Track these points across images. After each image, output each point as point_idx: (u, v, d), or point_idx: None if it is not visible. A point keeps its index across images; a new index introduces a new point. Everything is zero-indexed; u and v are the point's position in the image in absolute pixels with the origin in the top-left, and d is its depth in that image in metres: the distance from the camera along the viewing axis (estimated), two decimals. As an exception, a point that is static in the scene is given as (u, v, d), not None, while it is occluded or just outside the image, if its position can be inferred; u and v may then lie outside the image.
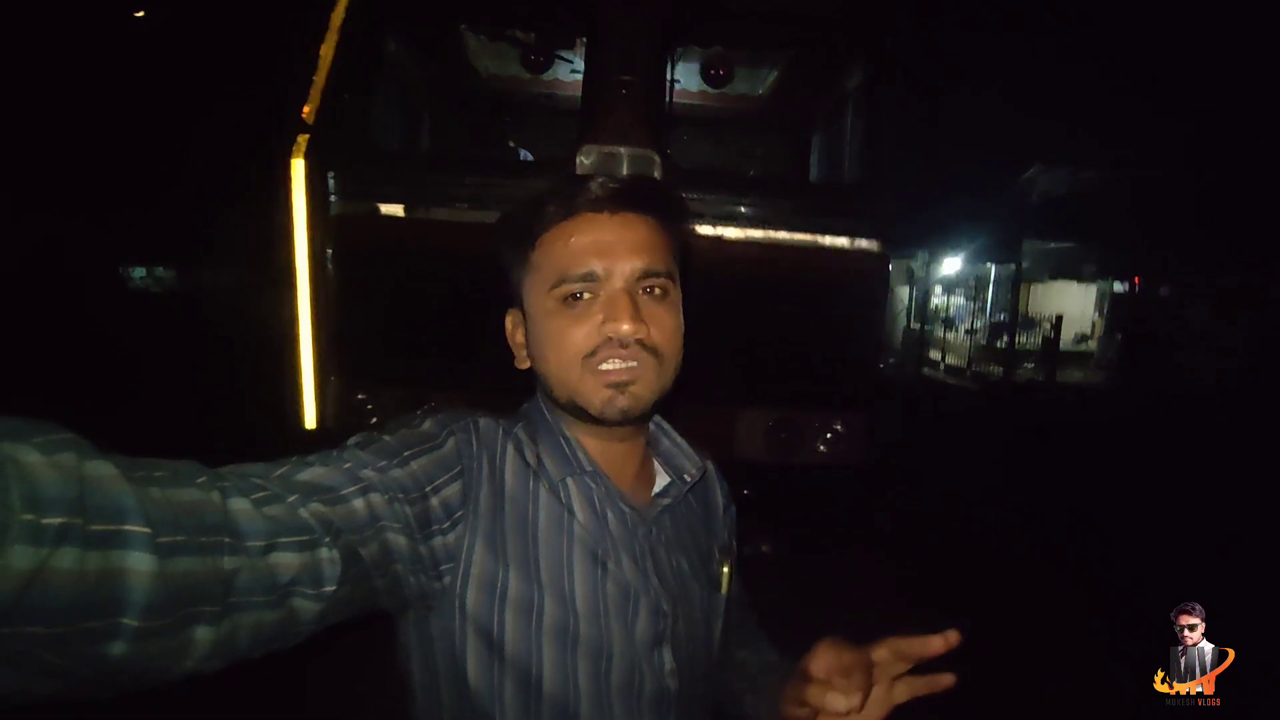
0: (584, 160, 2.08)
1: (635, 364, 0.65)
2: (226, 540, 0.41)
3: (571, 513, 0.67)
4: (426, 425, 0.65)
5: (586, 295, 0.65)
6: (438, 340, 2.13)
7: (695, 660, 0.73)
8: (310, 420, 2.19)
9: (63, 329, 8.16)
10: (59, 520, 0.32)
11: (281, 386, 2.37)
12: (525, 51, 2.90)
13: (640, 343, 0.65)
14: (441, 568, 0.61)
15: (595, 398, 0.66)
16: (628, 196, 0.67)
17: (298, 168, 2.04)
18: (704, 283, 2.12)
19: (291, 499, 0.48)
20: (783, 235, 2.18)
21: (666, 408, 0.75)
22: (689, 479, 0.77)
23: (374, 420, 2.15)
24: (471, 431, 0.66)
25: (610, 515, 0.69)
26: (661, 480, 0.78)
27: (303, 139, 2.05)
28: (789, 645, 0.78)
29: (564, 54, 2.76)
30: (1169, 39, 14.95)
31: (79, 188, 11.94)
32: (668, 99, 2.28)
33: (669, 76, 2.29)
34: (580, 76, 3.23)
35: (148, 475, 0.38)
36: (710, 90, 3.17)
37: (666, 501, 0.74)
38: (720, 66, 3.02)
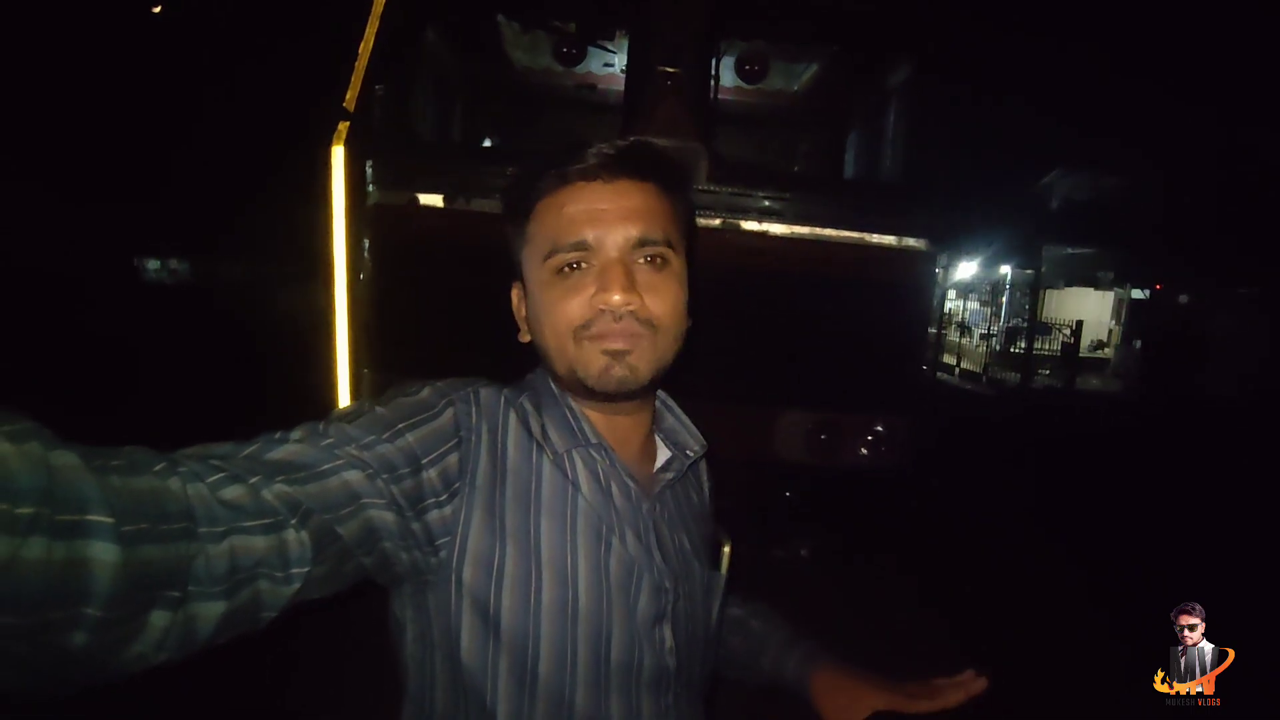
0: None
1: (630, 335, 0.63)
2: (187, 527, 0.40)
3: (576, 486, 0.65)
4: (424, 394, 0.62)
5: (582, 265, 0.63)
6: (473, 333, 2.09)
7: (694, 639, 0.72)
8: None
9: (76, 322, 8.18)
10: (30, 510, 0.31)
11: (308, 379, 2.32)
12: (559, 43, 2.85)
13: (634, 314, 0.62)
14: (437, 542, 0.59)
15: (592, 366, 0.64)
16: (624, 162, 0.64)
17: (338, 155, 2.00)
18: (747, 279, 2.10)
19: (254, 480, 0.46)
20: (829, 232, 2.12)
21: (672, 388, 0.73)
22: (691, 454, 0.76)
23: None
24: (472, 401, 0.64)
25: (615, 489, 0.68)
26: (664, 455, 0.76)
27: (343, 126, 2.01)
28: (824, 649, 0.85)
29: (604, 44, 2.71)
30: (1191, 43, 14.78)
31: (96, 181, 12.00)
32: (712, 93, 2.22)
33: (713, 70, 2.23)
34: (613, 70, 3.19)
35: (105, 464, 0.37)
36: (745, 86, 3.12)
37: (669, 476, 0.73)
38: (756, 62, 2.96)
